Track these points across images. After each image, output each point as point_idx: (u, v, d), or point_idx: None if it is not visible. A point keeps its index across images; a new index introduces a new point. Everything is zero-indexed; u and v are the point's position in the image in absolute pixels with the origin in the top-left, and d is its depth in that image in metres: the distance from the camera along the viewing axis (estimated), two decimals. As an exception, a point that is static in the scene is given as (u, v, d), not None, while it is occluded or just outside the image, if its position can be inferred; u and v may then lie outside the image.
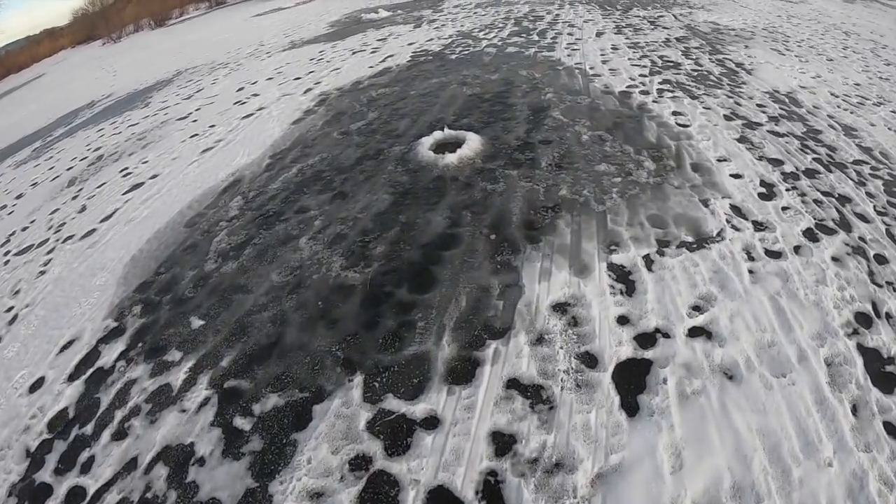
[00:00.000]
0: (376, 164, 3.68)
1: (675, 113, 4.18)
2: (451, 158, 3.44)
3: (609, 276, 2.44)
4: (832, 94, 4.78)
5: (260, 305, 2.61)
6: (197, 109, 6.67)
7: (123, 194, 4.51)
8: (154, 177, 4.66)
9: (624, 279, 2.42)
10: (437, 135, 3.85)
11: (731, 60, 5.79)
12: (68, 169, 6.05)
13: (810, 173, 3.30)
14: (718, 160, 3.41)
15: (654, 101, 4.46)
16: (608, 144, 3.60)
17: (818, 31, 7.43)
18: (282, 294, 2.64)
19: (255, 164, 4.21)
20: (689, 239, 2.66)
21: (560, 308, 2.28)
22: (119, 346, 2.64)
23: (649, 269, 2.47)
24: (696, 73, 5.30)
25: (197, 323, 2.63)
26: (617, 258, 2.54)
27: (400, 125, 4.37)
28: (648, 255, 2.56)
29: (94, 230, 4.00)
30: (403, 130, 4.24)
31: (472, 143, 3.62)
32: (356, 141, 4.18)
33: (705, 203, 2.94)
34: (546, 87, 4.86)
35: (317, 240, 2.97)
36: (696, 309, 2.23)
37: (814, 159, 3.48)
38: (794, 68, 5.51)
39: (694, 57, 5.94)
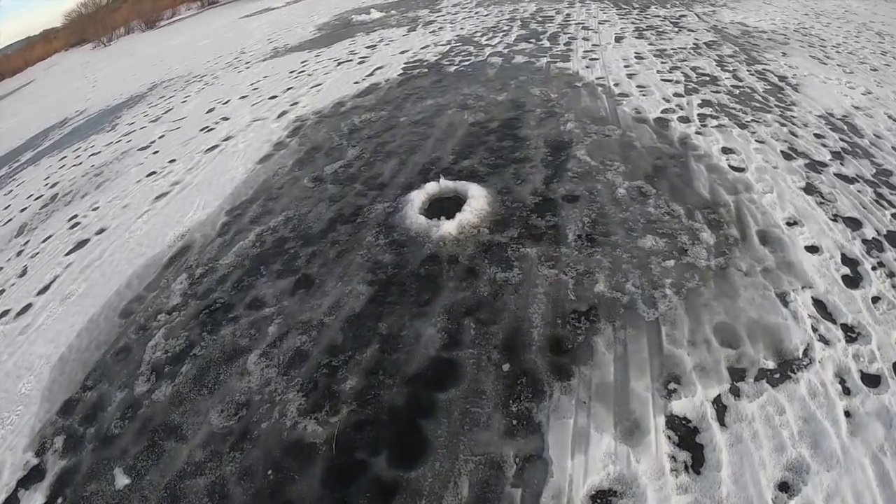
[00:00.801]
0: (352, 232, 2.88)
1: (725, 150, 3.36)
2: (448, 228, 2.64)
3: (669, 439, 1.68)
4: (890, 118, 3.95)
5: (195, 465, 1.87)
6: (161, 137, 5.88)
7: (66, 255, 3.77)
8: (100, 231, 3.91)
9: (689, 443, 1.67)
10: (431, 188, 3.05)
11: (772, 73, 4.95)
12: (22, 210, 5.31)
13: (894, 239, 2.51)
14: (788, 224, 2.62)
15: (697, 133, 3.63)
16: (651, 202, 2.79)
17: (851, 33, 6.60)
18: (223, 449, 1.89)
19: (208, 222, 3.43)
20: (770, 364, 1.90)
21: (603, 501, 1.53)
22: (38, 498, 1.95)
23: (722, 424, 1.71)
24: (738, 92, 4.46)
25: (122, 481, 1.91)
26: (679, 406, 1.77)
27: (385, 168, 3.57)
28: (720, 397, 1.79)
29: (29, 305, 3.27)
30: (389, 177, 3.44)
31: (476, 202, 2.82)
32: (330, 192, 3.38)
33: (783, 298, 2.16)
34: (565, 113, 4.04)
35: (270, 358, 2.20)
36: (785, 489, 1.54)
37: (893, 215, 2.69)
38: (842, 82, 4.66)
39: (731, 69, 5.10)
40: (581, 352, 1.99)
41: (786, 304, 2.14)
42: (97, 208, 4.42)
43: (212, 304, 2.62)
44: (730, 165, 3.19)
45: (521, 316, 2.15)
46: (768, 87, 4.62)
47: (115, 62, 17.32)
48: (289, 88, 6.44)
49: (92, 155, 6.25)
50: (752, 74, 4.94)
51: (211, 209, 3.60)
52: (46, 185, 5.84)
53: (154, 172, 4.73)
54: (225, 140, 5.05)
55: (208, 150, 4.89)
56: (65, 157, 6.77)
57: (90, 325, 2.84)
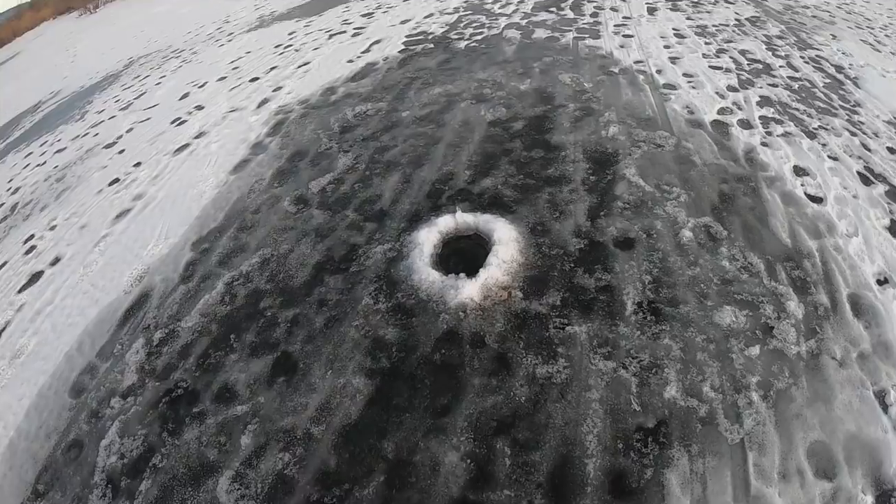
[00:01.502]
0: (345, 288, 2.28)
1: (798, 171, 2.72)
2: (469, 291, 2.04)
3: None
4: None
5: None
6: (129, 130, 5.15)
7: (18, 292, 3.22)
8: (55, 262, 3.32)
9: None
10: (445, 225, 2.42)
11: (827, 61, 4.32)
12: (-20, 220, 4.73)
13: None
14: (879, 282, 2.05)
15: (763, 144, 2.95)
16: (724, 251, 2.17)
17: (893, 11, 5.79)
18: None
19: (170, 259, 2.83)
20: (869, 500, 1.43)
21: None
22: None
23: None
24: (796, 86, 3.75)
25: None
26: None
27: (384, 188, 2.91)
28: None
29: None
30: (390, 201, 2.79)
31: (505, 249, 2.21)
32: (316, 222, 2.75)
33: (882, 399, 1.67)
34: (604, 111, 3.31)
35: (246, 485, 1.68)
36: None
37: None
38: (903, 78, 3.98)
39: (783, 54, 4.38)
40: (649, 495, 1.46)
41: (885, 408, 1.63)
42: (55, 227, 3.81)
43: (173, 389, 2.08)
44: (806, 194, 2.55)
45: (572, 437, 1.60)
46: (827, 80, 3.91)
47: (98, 32, 16.09)
48: (273, 68, 5.63)
49: (57, 152, 5.55)
50: (807, 63, 4.24)
51: (174, 239, 2.99)
52: (9, 189, 5.20)
53: (117, 180, 4.08)
54: (196, 138, 4.35)
55: (177, 150, 4.20)
56: (31, 153, 6.07)
57: (39, 402, 2.33)
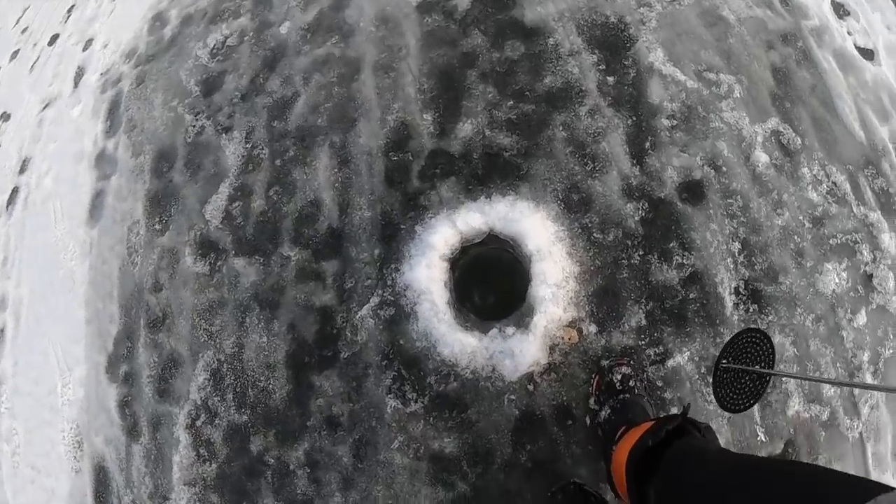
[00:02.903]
0: (348, 389, 1.47)
1: (836, 8, 2.03)
2: (530, 354, 1.40)
3: None
4: None
5: None
6: None
7: None
8: None
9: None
10: (446, 243, 1.53)
11: None
12: None
13: None
14: None
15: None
16: (805, 172, 1.67)
17: None
18: None
19: (95, 407, 1.81)
20: None
21: None
22: None
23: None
24: None
25: None
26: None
27: (317, 185, 1.74)
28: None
29: None
30: (337, 211, 1.69)
31: (552, 265, 1.48)
32: (248, 282, 1.66)
33: None
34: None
35: None
36: None
37: None
38: None
39: None
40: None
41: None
42: None
43: None
44: (857, 47, 1.94)
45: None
46: None
47: None
48: (70, 9, 2.97)
49: None
50: None
51: (79, 369, 1.87)
52: None
53: None
54: (21, 173, 2.49)
55: (7, 205, 2.43)
56: None
57: None
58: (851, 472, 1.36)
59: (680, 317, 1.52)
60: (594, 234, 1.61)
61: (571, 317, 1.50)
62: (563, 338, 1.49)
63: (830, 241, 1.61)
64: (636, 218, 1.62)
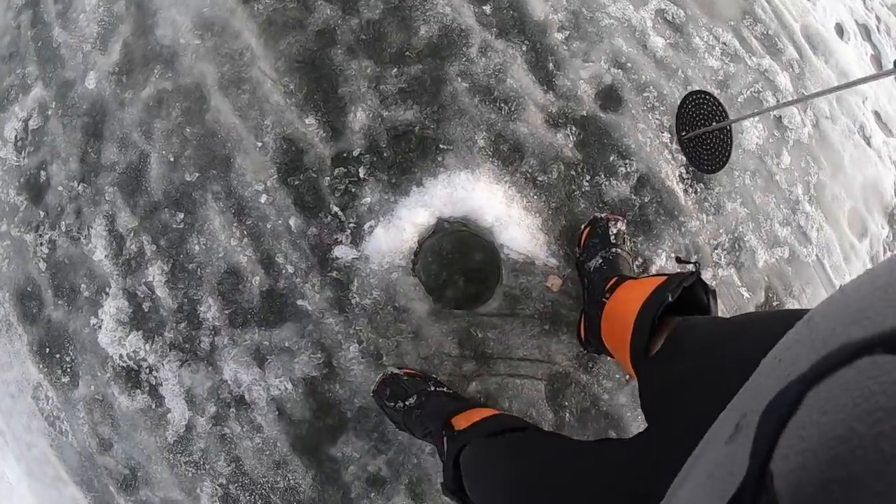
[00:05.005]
0: None
1: None
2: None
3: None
4: None
5: None
6: None
7: None
8: None
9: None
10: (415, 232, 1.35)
11: None
12: None
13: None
14: None
15: None
16: (698, 42, 1.68)
17: None
18: None
19: None
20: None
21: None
22: None
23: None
24: None
25: None
26: None
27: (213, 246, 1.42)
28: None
29: None
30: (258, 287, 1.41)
31: (515, 229, 1.38)
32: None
33: (863, 133, 1.85)
34: None
35: None
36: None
37: None
38: None
39: None
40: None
41: (867, 140, 1.81)
42: None
43: None
44: None
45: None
46: None
47: None
48: None
49: None
50: None
51: None
52: None
53: None
54: None
55: None
56: None
57: None
58: (820, 288, 1.52)
59: (644, 223, 1.52)
60: (539, 178, 1.51)
61: (554, 268, 1.44)
62: (549, 287, 1.44)
63: (739, 99, 1.67)
64: (570, 145, 1.55)
